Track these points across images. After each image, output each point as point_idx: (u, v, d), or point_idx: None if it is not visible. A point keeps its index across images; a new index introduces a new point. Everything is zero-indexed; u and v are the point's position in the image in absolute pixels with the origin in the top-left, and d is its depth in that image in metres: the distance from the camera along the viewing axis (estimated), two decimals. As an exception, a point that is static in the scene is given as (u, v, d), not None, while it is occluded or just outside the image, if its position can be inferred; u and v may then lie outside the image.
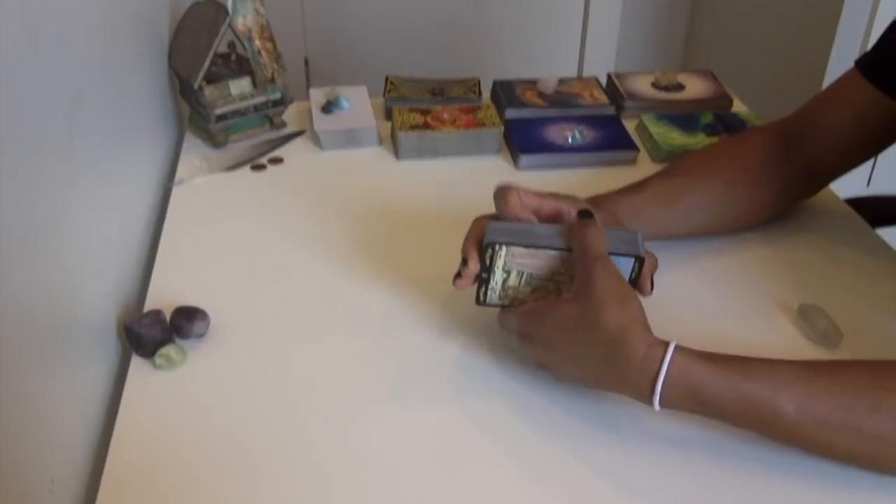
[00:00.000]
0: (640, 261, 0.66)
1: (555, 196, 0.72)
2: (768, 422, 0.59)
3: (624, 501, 0.60)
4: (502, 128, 1.05)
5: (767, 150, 0.85)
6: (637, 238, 0.68)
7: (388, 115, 1.12)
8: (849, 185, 0.92)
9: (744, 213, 0.86)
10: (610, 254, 0.65)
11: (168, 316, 0.73)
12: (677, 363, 0.59)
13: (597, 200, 0.77)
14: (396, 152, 1.05)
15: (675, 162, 0.88)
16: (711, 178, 0.83)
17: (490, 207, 0.95)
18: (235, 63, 1.08)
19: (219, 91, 1.04)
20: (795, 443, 0.61)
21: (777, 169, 0.85)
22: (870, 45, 0.82)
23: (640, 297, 0.64)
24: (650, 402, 0.60)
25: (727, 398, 0.59)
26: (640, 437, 0.65)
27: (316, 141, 1.07)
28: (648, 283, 0.71)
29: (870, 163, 1.87)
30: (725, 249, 0.86)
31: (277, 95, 1.07)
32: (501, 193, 0.71)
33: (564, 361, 0.65)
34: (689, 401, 0.60)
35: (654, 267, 0.73)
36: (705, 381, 0.59)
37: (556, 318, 0.64)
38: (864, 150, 0.84)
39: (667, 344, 0.60)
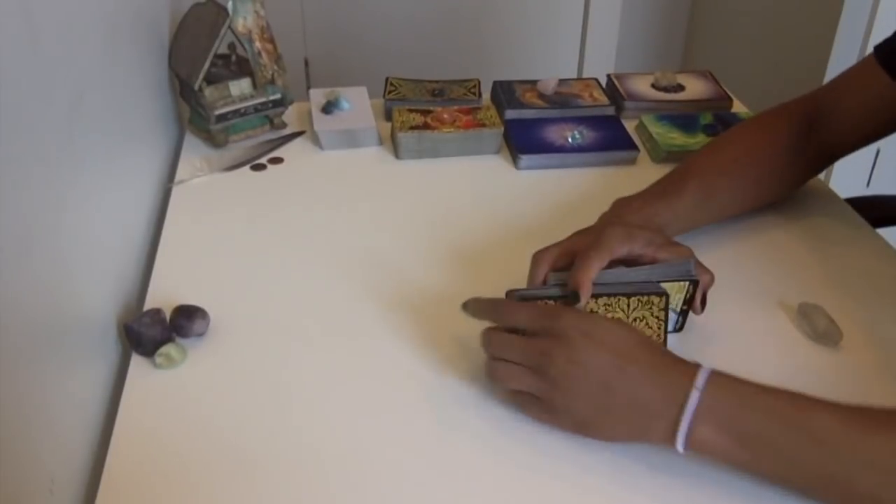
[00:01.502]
0: (694, 283, 0.69)
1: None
2: (804, 429, 0.55)
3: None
4: (502, 128, 1.05)
5: (791, 137, 0.88)
6: (690, 265, 0.69)
7: (389, 115, 1.12)
8: (849, 185, 0.92)
9: (767, 197, 0.90)
10: (661, 282, 0.67)
11: (168, 315, 0.73)
12: (711, 374, 0.58)
13: (635, 207, 0.78)
14: (396, 153, 1.05)
15: (705, 158, 0.87)
16: (744, 177, 0.86)
17: (488, 207, 0.95)
18: (235, 64, 1.08)
19: (219, 92, 1.04)
20: (830, 471, 0.55)
21: (798, 152, 0.88)
22: (870, 47, 0.82)
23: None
24: (677, 427, 0.57)
25: (760, 402, 0.56)
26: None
27: (316, 141, 1.07)
28: (699, 302, 0.71)
29: (870, 163, 1.87)
30: (726, 248, 0.86)
31: (277, 96, 1.07)
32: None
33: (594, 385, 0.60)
34: (722, 410, 0.56)
35: (710, 283, 0.72)
36: (736, 385, 0.57)
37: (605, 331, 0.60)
38: (881, 132, 0.86)
39: (696, 363, 0.59)
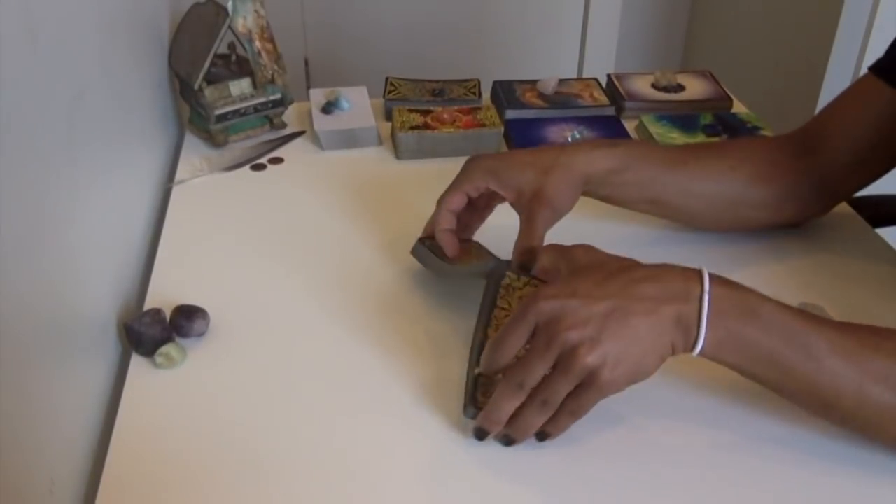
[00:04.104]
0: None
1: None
2: (802, 346, 0.58)
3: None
4: (502, 128, 1.05)
5: (780, 150, 0.84)
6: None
7: (389, 115, 1.12)
8: (849, 184, 0.91)
9: (743, 208, 0.83)
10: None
11: (168, 315, 0.73)
12: (714, 278, 0.60)
13: (582, 147, 0.79)
14: (396, 152, 1.05)
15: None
16: (718, 158, 0.83)
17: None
18: (235, 64, 1.08)
19: (219, 92, 1.04)
20: (819, 385, 0.59)
21: (786, 170, 0.83)
22: (869, 46, 0.82)
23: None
24: (698, 322, 0.58)
25: (769, 305, 0.60)
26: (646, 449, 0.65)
27: (316, 141, 1.07)
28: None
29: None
30: (725, 248, 0.86)
31: (277, 96, 1.07)
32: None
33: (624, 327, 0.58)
34: (731, 303, 0.59)
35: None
36: (742, 287, 0.61)
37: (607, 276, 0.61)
38: (880, 157, 0.81)
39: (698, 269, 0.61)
